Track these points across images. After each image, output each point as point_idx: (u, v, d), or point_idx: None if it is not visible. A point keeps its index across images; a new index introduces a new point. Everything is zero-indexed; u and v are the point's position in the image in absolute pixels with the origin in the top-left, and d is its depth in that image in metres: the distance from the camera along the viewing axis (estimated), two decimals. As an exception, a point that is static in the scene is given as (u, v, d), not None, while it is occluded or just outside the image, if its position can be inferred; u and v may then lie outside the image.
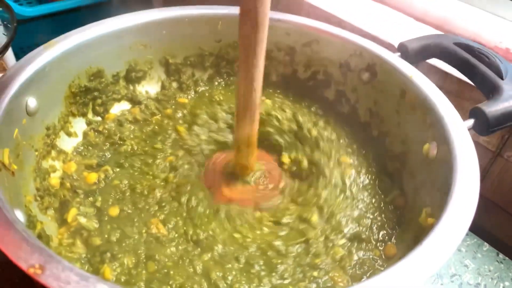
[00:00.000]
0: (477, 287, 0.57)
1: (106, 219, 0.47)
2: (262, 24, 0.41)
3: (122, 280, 0.41)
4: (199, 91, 0.66)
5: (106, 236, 0.45)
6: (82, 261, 0.43)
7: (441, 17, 0.78)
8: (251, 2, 0.39)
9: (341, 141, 0.58)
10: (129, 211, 0.48)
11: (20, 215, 0.40)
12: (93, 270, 0.42)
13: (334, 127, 0.60)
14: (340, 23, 0.79)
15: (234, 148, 0.51)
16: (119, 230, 0.45)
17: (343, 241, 0.47)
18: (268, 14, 0.40)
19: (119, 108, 0.61)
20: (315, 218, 0.48)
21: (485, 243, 0.63)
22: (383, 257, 0.46)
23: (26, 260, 0.30)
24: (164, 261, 0.43)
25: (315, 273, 0.43)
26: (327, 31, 0.60)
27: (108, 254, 0.43)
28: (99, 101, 0.58)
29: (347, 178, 0.53)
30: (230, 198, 0.51)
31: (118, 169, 0.53)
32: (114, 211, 0.48)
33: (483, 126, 0.46)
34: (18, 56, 1.16)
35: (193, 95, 0.65)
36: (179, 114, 0.61)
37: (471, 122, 0.47)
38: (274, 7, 0.92)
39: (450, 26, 0.77)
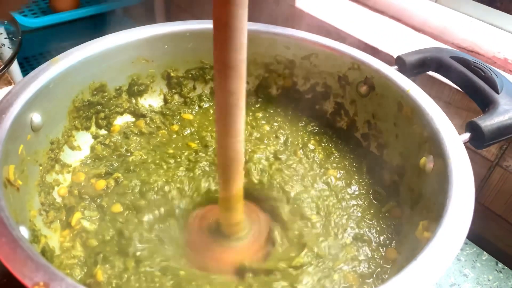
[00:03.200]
0: (476, 296, 0.58)
1: (107, 217, 0.49)
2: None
3: (113, 284, 0.42)
4: (203, 106, 0.67)
5: (101, 236, 0.47)
6: (80, 263, 0.45)
7: (440, 27, 0.79)
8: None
9: (332, 158, 0.60)
10: (131, 212, 0.49)
11: (24, 231, 0.41)
12: (88, 271, 0.44)
13: (328, 144, 0.62)
14: (339, 34, 0.80)
15: (219, 207, 0.47)
16: (115, 229, 0.47)
17: (349, 240, 0.49)
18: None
19: (122, 120, 0.62)
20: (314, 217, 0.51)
21: (484, 252, 0.63)
22: (386, 259, 0.48)
23: (31, 278, 0.31)
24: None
25: (335, 276, 0.45)
26: (326, 44, 0.61)
27: (101, 255, 0.44)
28: (102, 114, 0.60)
29: (334, 188, 0.55)
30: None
31: (127, 174, 0.54)
32: (116, 208, 0.50)
33: (479, 140, 0.47)
34: (23, 66, 1.18)
35: (197, 110, 0.66)
36: (187, 131, 0.62)
37: (467, 136, 0.47)
38: (274, 20, 0.93)
39: (449, 36, 0.78)
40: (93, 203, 0.51)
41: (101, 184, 0.53)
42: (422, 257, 0.35)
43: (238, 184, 0.44)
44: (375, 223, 0.51)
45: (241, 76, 0.36)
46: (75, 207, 0.50)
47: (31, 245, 0.35)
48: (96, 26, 1.13)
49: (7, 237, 0.34)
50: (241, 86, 0.36)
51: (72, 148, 0.56)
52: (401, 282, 0.33)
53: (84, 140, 0.58)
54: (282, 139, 0.62)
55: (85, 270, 0.44)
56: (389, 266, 0.47)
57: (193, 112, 0.66)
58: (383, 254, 0.48)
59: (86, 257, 0.45)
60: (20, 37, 0.70)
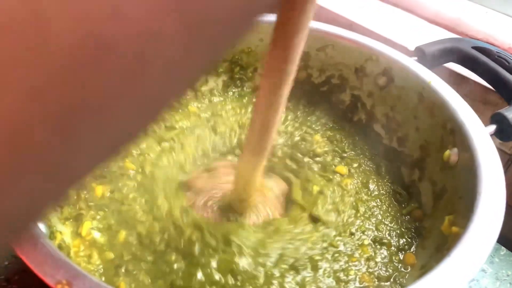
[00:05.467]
0: (495, 292, 0.57)
1: (115, 240, 0.46)
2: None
3: None
4: (213, 101, 0.65)
5: (118, 253, 0.44)
6: (100, 272, 0.43)
7: (454, 18, 0.77)
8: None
9: (347, 153, 0.58)
10: (134, 238, 0.46)
11: (42, 227, 0.40)
12: (108, 282, 0.42)
13: (342, 138, 0.60)
14: (351, 26, 0.78)
15: (234, 181, 0.47)
16: (130, 252, 0.45)
17: (367, 241, 0.47)
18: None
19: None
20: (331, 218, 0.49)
21: (502, 247, 0.62)
22: (405, 263, 0.46)
23: (53, 276, 0.30)
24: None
25: (352, 273, 0.44)
26: (342, 35, 0.59)
27: (123, 270, 0.43)
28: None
29: (349, 189, 0.53)
30: None
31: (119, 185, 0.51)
32: (121, 236, 0.46)
33: (506, 132, 0.46)
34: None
35: (207, 104, 0.65)
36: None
37: (492, 128, 0.46)
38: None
39: (463, 27, 0.77)
40: (98, 213, 0.48)
41: (99, 190, 0.50)
42: (457, 252, 0.34)
43: (260, 163, 0.43)
44: (395, 226, 0.50)
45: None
46: (84, 215, 0.47)
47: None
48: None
49: (26, 233, 0.33)
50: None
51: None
52: (441, 276, 0.32)
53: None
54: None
55: (103, 279, 0.42)
56: (407, 271, 0.46)
57: (202, 106, 0.64)
58: (401, 258, 0.47)
59: (105, 268, 0.43)
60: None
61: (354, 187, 0.53)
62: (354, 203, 0.51)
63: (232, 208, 0.48)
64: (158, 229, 0.46)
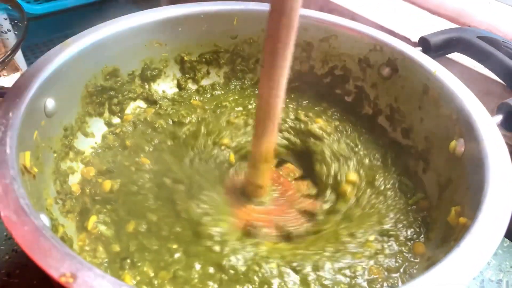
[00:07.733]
0: (499, 283, 0.56)
1: (123, 231, 0.45)
2: (293, 23, 0.38)
3: None
4: (215, 94, 0.65)
5: (124, 245, 0.44)
6: (105, 265, 0.42)
7: (457, 9, 0.77)
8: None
9: (358, 146, 0.57)
10: (144, 227, 0.46)
11: (45, 219, 0.39)
12: (113, 276, 0.41)
13: (351, 132, 0.59)
14: (353, 17, 0.78)
15: (248, 165, 0.49)
16: (137, 241, 0.44)
17: (373, 237, 0.46)
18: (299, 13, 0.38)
19: (134, 106, 0.61)
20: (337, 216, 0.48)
21: (506, 239, 0.62)
22: (414, 254, 0.46)
23: (57, 269, 0.30)
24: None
25: (359, 268, 0.43)
26: (346, 25, 0.59)
27: (128, 261, 0.42)
28: (115, 100, 0.58)
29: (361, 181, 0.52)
30: (247, 221, 0.48)
31: (126, 179, 0.51)
32: (130, 226, 0.46)
33: (513, 122, 0.45)
34: (26, 55, 1.15)
35: (209, 97, 0.64)
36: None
37: (499, 118, 0.46)
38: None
39: (466, 18, 0.76)
40: (105, 206, 0.48)
41: (107, 185, 0.50)
42: (466, 242, 0.33)
43: (269, 141, 0.45)
44: (402, 217, 0.49)
45: (292, 26, 0.37)
46: (90, 209, 0.47)
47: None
48: (99, 13, 1.11)
49: (29, 226, 0.32)
50: (289, 35, 0.38)
51: (86, 134, 0.54)
52: (451, 266, 0.31)
53: (98, 127, 0.56)
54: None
55: (108, 272, 0.41)
56: (417, 261, 0.45)
57: (203, 100, 0.64)
58: (411, 248, 0.46)
59: (110, 261, 0.43)
60: (26, 23, 0.68)
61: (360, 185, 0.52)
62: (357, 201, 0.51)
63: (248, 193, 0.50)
64: (166, 215, 0.46)
